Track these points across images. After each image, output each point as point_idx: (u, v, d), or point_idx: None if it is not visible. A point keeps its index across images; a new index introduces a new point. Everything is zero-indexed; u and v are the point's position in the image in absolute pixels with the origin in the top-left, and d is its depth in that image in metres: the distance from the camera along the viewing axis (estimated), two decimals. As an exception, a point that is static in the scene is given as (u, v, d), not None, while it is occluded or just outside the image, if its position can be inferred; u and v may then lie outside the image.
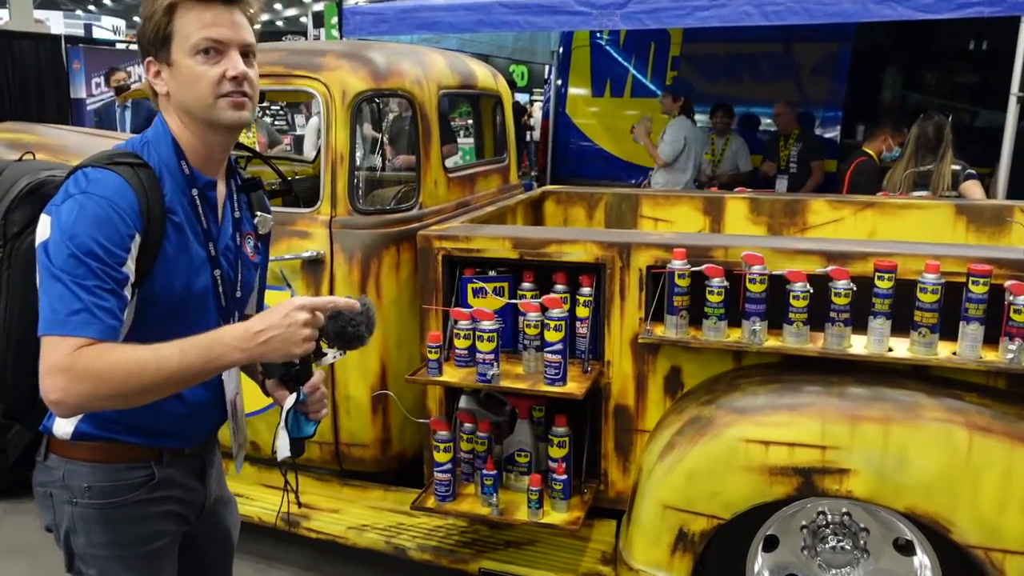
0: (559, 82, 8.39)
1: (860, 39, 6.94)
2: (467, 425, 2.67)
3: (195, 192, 1.53)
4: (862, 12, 4.32)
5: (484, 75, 3.60)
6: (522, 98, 13.22)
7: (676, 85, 7.95)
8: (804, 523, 2.46)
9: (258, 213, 1.73)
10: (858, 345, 2.29)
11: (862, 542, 2.41)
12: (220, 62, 1.44)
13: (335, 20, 7.61)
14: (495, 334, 2.42)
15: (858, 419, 2.16)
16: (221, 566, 1.89)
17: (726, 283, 2.37)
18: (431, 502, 2.60)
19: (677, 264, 2.41)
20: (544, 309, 2.44)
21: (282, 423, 1.57)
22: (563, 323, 2.39)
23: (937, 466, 2.10)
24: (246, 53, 1.49)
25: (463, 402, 2.76)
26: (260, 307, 1.81)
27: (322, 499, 2.96)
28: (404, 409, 2.70)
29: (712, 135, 6.89)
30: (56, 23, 20.03)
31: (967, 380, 2.27)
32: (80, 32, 18.37)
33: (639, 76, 8.11)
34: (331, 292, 2.74)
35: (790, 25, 4.97)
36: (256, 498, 2.95)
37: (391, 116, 6.26)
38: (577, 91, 8.33)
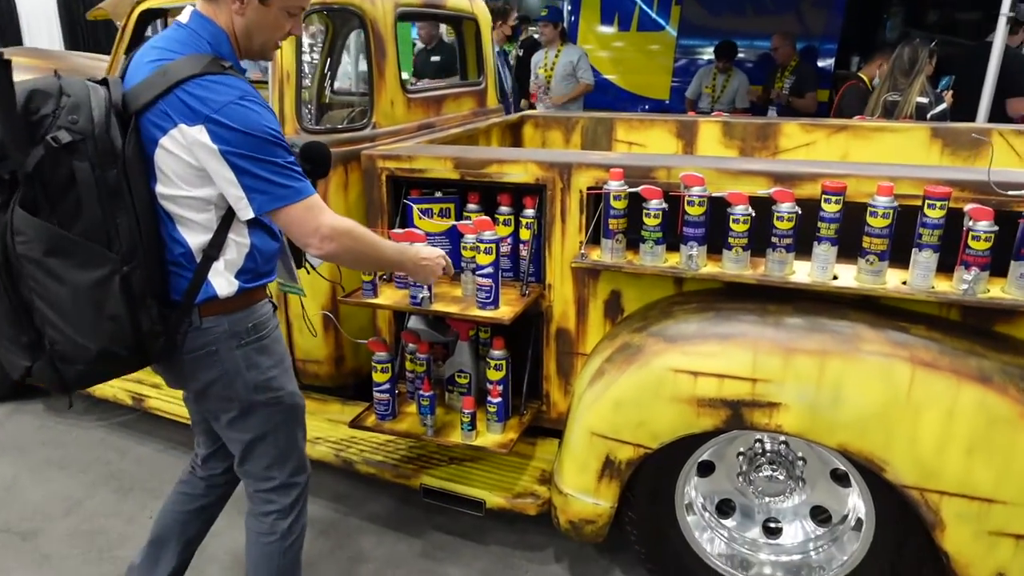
0: (571, 14, 7.73)
1: (861, -29, 6.17)
2: (410, 345, 2.33)
3: None
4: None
5: (456, -4, 3.11)
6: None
7: (682, 19, 7.29)
8: (741, 449, 2.09)
9: None
10: (801, 272, 1.87)
11: (798, 472, 2.05)
12: (294, 21, 1.56)
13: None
14: (426, 256, 2.05)
15: (792, 351, 1.76)
16: None
17: (664, 205, 1.95)
18: (371, 420, 2.29)
19: (613, 185, 1.98)
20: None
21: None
22: (494, 246, 2.00)
23: (874, 403, 1.70)
24: None
25: (411, 322, 2.41)
26: None
27: (284, 411, 2.68)
28: (345, 330, 2.36)
29: (714, 70, 6.20)
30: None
31: (917, 311, 1.84)
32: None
33: (646, 9, 7.41)
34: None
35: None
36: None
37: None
38: (588, 23, 7.67)
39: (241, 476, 1.77)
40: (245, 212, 1.45)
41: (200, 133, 1.38)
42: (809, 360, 1.74)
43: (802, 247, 1.85)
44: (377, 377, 2.23)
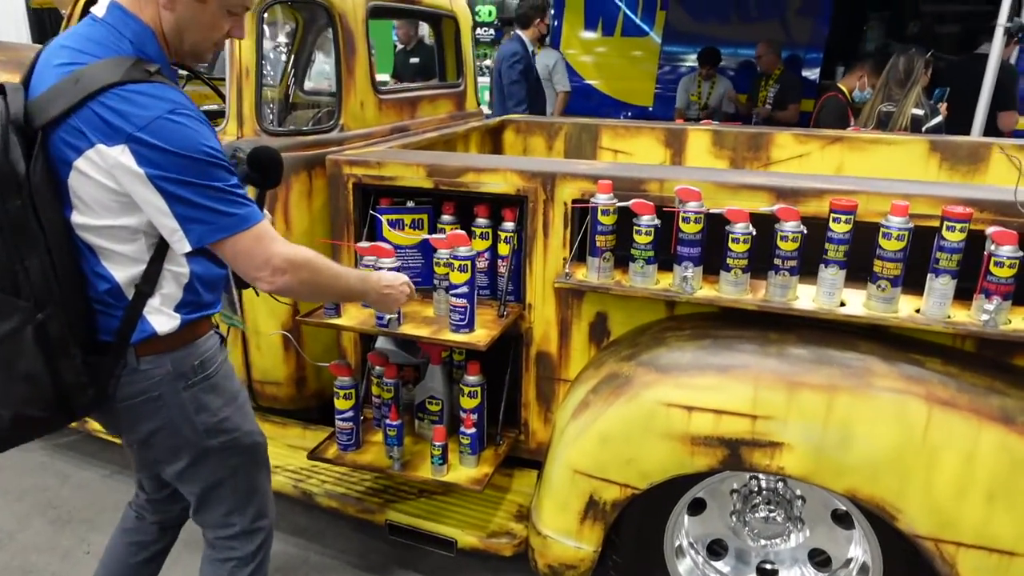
0: (554, 18, 7.56)
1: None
2: (377, 368, 2.13)
3: None
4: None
5: (433, -9, 2.92)
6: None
7: (666, 25, 7.16)
8: (735, 487, 1.92)
9: None
10: (805, 298, 1.70)
11: (797, 512, 1.88)
12: (235, 21, 1.35)
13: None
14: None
15: (797, 385, 1.58)
16: None
17: (657, 222, 1.77)
18: (332, 451, 2.08)
19: (601, 199, 1.80)
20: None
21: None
22: (469, 263, 1.81)
23: (886, 445, 1.53)
24: None
25: (378, 342, 2.21)
26: None
27: (240, 435, 2.45)
28: (307, 350, 2.16)
29: (698, 77, 6.11)
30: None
31: (932, 342, 1.68)
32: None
33: (630, 14, 7.26)
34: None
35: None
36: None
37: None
38: (571, 27, 7.50)
39: (198, 524, 1.57)
40: (181, 245, 1.23)
41: (123, 155, 1.16)
42: (815, 396, 1.57)
43: (807, 270, 1.68)
44: (339, 404, 2.03)
